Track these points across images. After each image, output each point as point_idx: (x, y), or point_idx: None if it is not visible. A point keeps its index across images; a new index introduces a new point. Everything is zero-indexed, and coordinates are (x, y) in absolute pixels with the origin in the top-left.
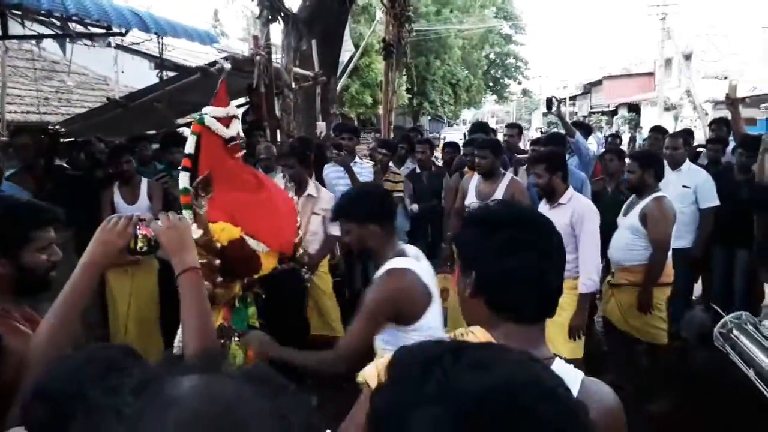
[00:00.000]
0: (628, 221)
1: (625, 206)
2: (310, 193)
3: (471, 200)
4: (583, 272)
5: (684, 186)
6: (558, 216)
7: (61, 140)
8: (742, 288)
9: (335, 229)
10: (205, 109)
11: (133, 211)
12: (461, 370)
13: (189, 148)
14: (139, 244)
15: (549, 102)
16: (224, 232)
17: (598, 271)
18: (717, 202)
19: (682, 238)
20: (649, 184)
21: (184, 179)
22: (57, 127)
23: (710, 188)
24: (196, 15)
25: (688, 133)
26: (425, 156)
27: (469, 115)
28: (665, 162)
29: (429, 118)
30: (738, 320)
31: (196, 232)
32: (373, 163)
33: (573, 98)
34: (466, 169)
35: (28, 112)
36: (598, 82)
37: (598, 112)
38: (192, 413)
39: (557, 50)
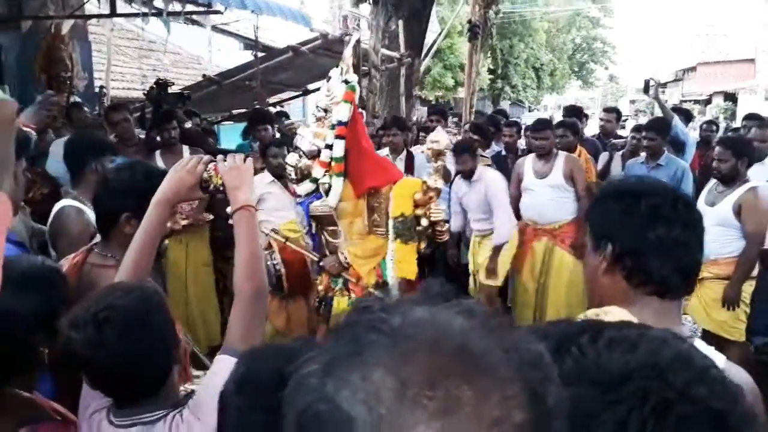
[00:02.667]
0: (718, 212)
1: (705, 195)
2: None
3: (531, 181)
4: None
5: None
6: None
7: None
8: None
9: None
10: (351, 77)
11: None
12: (601, 349)
13: (343, 116)
14: (211, 181)
15: (646, 84)
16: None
17: None
18: None
19: None
20: (741, 173)
21: (339, 147)
22: (189, 93)
23: None
24: None
25: None
26: (512, 139)
27: (551, 101)
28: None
29: (509, 102)
30: None
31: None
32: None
33: (663, 85)
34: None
35: (129, 89)
36: (692, 69)
37: (690, 101)
38: (426, 343)
39: (648, 34)
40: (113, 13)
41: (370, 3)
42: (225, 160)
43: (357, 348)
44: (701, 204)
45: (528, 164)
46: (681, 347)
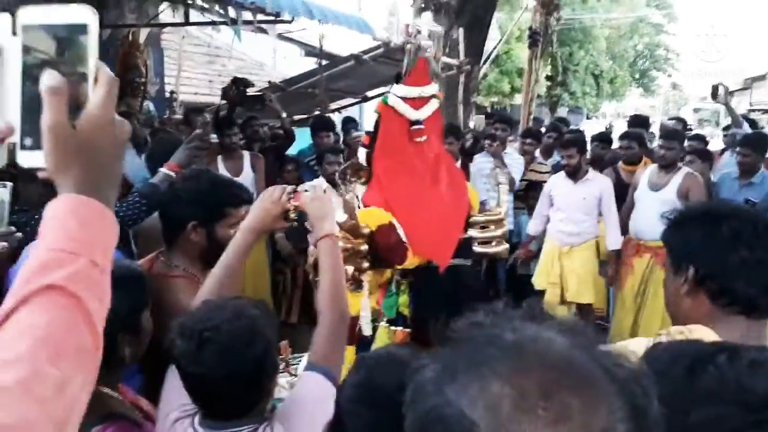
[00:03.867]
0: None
1: (644, 182)
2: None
3: (643, 191)
4: None
5: None
6: None
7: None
8: None
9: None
10: (394, 88)
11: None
12: (743, 370)
13: (373, 126)
14: (291, 213)
15: (715, 89)
16: (373, 217)
17: None
18: None
19: None
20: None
21: (361, 156)
22: (271, 96)
23: None
24: (340, 3)
25: None
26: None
27: (610, 109)
28: None
29: (567, 109)
30: None
31: (341, 217)
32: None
33: (731, 93)
34: (620, 163)
35: (197, 93)
36: (762, 77)
37: (759, 110)
38: (539, 358)
39: (713, 41)
40: (187, 22)
41: (432, 11)
42: (306, 190)
43: (476, 359)
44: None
45: (645, 176)
46: None
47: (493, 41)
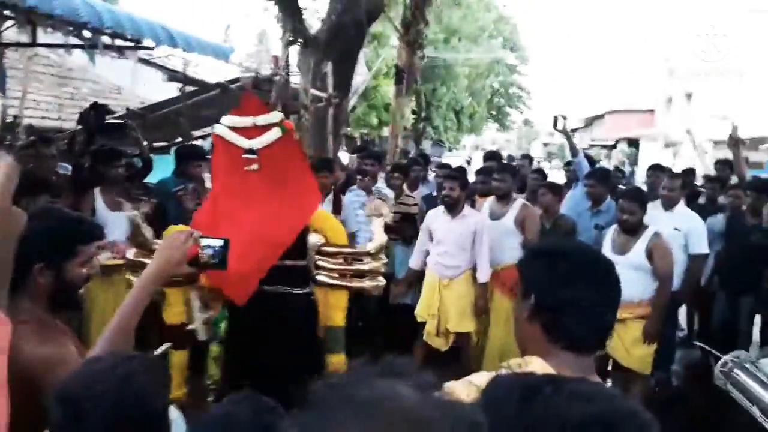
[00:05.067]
0: (631, 259)
1: (610, 244)
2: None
3: (486, 221)
4: None
5: (675, 228)
6: None
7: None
8: (745, 331)
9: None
10: (223, 119)
11: (117, 218)
12: (562, 400)
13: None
14: (203, 257)
15: (555, 120)
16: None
17: None
18: (707, 250)
19: None
20: (643, 222)
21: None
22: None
23: (702, 234)
24: (208, 29)
25: (690, 173)
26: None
27: (469, 142)
28: (660, 201)
29: (431, 142)
30: (738, 359)
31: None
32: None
33: (574, 130)
34: (476, 196)
35: (44, 117)
36: (600, 116)
37: (598, 146)
38: (389, 417)
39: (561, 82)
40: (34, 43)
41: (300, 44)
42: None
43: (331, 421)
44: (607, 252)
45: (485, 208)
46: (628, 404)
47: (361, 76)
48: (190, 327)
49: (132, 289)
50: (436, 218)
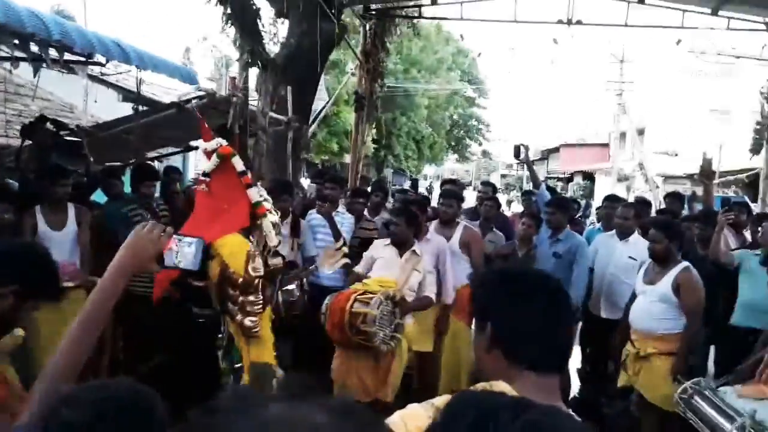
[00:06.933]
0: (658, 290)
1: (642, 274)
2: (414, 250)
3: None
4: None
5: (630, 257)
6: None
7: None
8: (699, 365)
9: (431, 290)
10: (197, 143)
11: (60, 238)
12: (515, 430)
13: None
14: (177, 257)
15: (517, 149)
16: None
17: None
18: None
19: (622, 309)
20: (673, 253)
21: (254, 193)
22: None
23: None
24: (167, 50)
25: (646, 204)
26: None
27: (430, 171)
28: (614, 231)
29: (392, 170)
30: (698, 386)
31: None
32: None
33: (531, 162)
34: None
35: None
36: (556, 149)
37: (554, 178)
38: None
39: (518, 116)
40: None
41: (259, 68)
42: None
43: None
44: (639, 283)
45: (431, 230)
46: None
47: (322, 102)
48: None
49: (98, 286)
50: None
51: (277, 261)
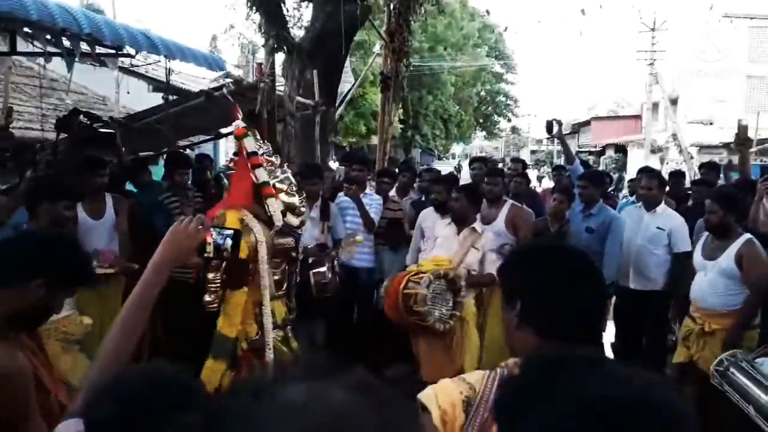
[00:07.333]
0: (720, 264)
1: (701, 249)
2: (474, 227)
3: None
4: None
5: (658, 227)
6: None
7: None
8: None
9: (492, 268)
10: (227, 129)
11: (99, 226)
12: (597, 378)
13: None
14: (207, 248)
15: (549, 125)
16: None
17: None
18: (690, 248)
19: (651, 280)
20: (732, 226)
21: (261, 174)
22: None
23: (685, 233)
24: (194, 39)
25: (680, 175)
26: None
27: (458, 150)
28: (640, 202)
29: (420, 150)
30: (734, 358)
31: None
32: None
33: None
34: None
35: (27, 128)
36: (586, 123)
37: (585, 152)
38: (303, 422)
39: (547, 90)
40: (13, 51)
41: (284, 52)
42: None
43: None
44: (698, 258)
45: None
46: (665, 388)
47: (348, 84)
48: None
49: (142, 279)
50: (430, 217)
51: (285, 240)
